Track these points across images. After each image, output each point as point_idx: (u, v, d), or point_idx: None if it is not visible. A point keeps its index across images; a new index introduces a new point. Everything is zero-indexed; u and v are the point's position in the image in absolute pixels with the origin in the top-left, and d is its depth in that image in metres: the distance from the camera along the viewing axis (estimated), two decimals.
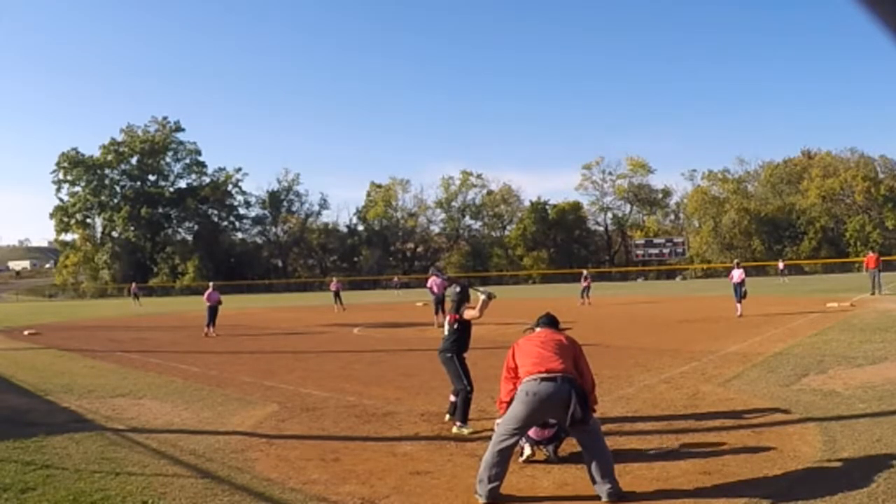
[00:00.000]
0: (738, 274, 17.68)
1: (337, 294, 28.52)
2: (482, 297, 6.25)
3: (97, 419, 6.95)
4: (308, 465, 5.11)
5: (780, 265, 46.26)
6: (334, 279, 31.44)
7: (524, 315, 14.54)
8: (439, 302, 17.36)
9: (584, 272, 28.40)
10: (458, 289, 6.49)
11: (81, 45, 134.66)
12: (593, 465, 4.27)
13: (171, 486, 4.58)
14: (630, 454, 5.20)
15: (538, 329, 5.02)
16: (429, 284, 18.86)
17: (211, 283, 19.54)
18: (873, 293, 22.46)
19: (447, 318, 6.55)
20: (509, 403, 4.53)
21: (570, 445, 5.12)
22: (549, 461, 5.09)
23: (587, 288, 26.99)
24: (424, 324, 18.63)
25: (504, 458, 4.33)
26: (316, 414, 7.08)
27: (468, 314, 6.29)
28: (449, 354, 6.28)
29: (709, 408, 6.74)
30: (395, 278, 58.49)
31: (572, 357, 4.59)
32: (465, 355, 6.39)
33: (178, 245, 75.70)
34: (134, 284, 43.65)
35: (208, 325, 17.44)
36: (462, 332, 6.34)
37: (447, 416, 6.46)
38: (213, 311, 17.50)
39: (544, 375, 4.35)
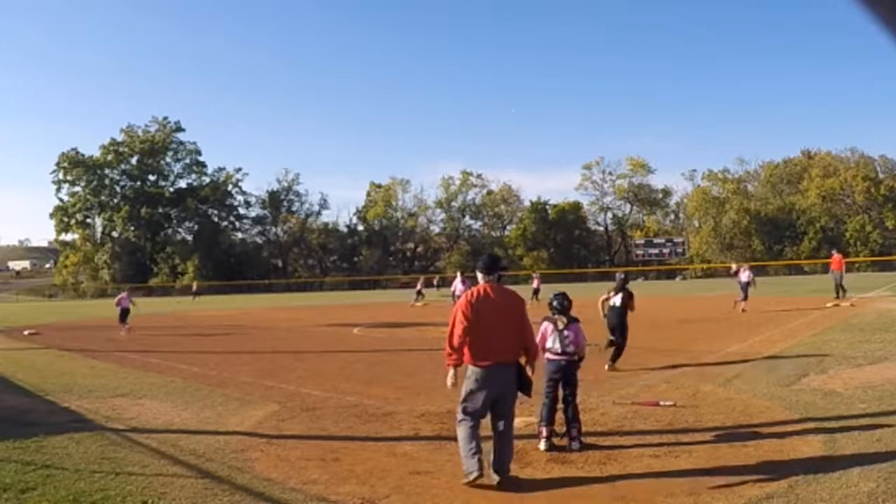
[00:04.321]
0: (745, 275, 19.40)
1: (420, 292, 30.28)
2: None
3: (97, 419, 6.94)
4: (308, 465, 5.11)
5: (734, 266, 44.20)
6: (421, 277, 33.23)
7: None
8: None
9: (535, 274, 31.38)
10: None
11: (81, 45, 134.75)
12: (495, 452, 4.61)
13: (171, 486, 4.58)
14: (630, 454, 5.20)
15: (481, 280, 4.90)
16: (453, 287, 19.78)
17: (127, 288, 20.50)
18: (837, 296, 20.94)
19: None
20: (456, 351, 4.67)
21: (566, 444, 5.13)
22: (567, 449, 5.28)
23: (537, 290, 27.48)
24: (424, 324, 18.64)
25: (474, 433, 4.61)
26: (316, 414, 7.08)
27: None
28: None
29: (709, 408, 6.74)
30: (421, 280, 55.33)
31: (519, 333, 4.73)
32: None
33: (178, 245, 75.66)
34: (195, 283, 43.36)
35: (122, 323, 18.20)
36: None
37: None
38: (125, 313, 18.35)
39: (492, 364, 4.62)
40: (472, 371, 4.69)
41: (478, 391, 4.63)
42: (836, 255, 23.17)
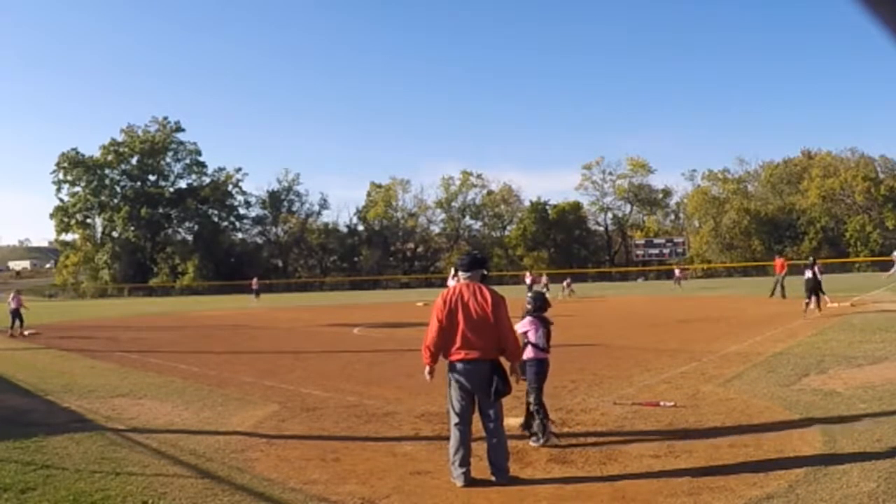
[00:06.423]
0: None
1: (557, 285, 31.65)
2: None
3: (97, 419, 6.93)
4: (308, 465, 5.11)
5: (677, 272, 43.89)
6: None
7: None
8: None
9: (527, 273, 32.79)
10: None
11: (81, 44, 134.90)
12: (489, 454, 4.66)
13: (171, 486, 4.58)
14: (630, 454, 5.20)
15: (461, 277, 4.96)
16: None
17: (15, 290, 20.32)
18: (772, 295, 23.50)
19: None
20: (431, 351, 4.76)
21: (567, 442, 5.13)
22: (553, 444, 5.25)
23: (530, 288, 29.09)
24: (424, 324, 18.61)
25: (462, 440, 4.64)
26: (316, 414, 7.08)
27: None
28: None
29: (709, 408, 6.73)
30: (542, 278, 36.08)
31: (494, 331, 4.68)
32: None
33: (178, 245, 75.62)
34: (255, 280, 41.79)
35: (12, 327, 18.14)
36: None
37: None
38: (15, 314, 18.38)
39: (466, 359, 4.64)
40: (447, 367, 4.78)
41: (454, 387, 4.71)
42: (778, 260, 26.38)
